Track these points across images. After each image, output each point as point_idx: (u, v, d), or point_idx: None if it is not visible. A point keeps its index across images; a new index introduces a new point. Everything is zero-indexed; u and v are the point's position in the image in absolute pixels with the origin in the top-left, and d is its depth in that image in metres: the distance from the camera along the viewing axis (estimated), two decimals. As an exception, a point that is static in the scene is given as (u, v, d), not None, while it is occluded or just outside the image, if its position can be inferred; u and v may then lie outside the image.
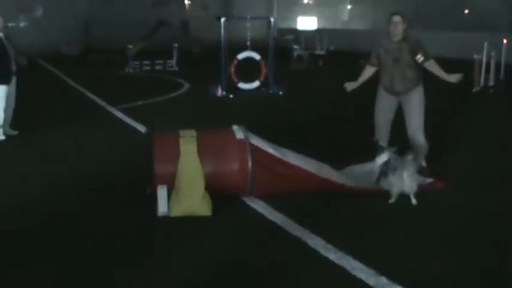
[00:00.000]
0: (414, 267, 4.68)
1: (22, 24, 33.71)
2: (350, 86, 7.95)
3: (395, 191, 6.20)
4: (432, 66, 7.40)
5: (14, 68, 9.55)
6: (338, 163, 7.37)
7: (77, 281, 4.60)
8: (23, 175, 7.64)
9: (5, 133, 9.64)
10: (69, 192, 6.83)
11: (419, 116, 7.47)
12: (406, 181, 6.12)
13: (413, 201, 6.13)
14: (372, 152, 7.89)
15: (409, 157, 6.25)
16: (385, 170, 6.34)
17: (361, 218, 5.81)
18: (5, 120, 9.62)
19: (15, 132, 9.90)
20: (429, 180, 6.82)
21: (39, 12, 34.91)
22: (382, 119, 7.80)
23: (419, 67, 7.43)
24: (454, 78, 7.33)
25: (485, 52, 15.65)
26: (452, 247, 5.11)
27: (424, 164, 7.33)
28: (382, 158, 6.55)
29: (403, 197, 6.27)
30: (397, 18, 7.34)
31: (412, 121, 7.49)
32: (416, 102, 7.49)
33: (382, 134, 7.82)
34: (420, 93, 7.50)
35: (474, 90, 15.04)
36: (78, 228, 5.72)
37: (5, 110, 9.54)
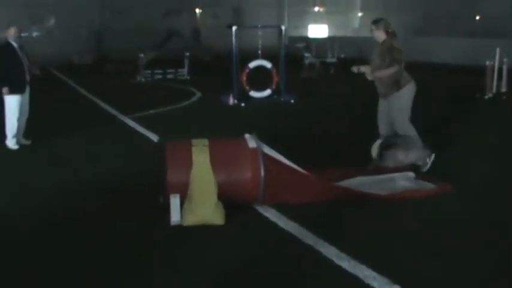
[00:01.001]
0: (428, 276, 4.65)
1: (34, 34, 33.98)
2: (360, 68, 8.14)
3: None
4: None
5: (27, 77, 9.62)
6: (351, 170, 7.42)
7: (81, 286, 4.64)
8: (33, 182, 7.71)
9: (18, 142, 9.70)
10: (79, 200, 6.86)
11: (400, 120, 7.91)
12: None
13: None
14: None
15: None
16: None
17: (375, 227, 5.78)
18: (18, 129, 9.67)
19: (28, 142, 9.94)
20: (431, 185, 6.98)
21: (51, 22, 35.16)
22: (379, 120, 8.29)
23: (396, 72, 7.74)
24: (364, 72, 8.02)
25: (497, 58, 15.60)
26: (462, 254, 5.08)
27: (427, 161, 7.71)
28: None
29: (414, 205, 6.28)
30: (371, 26, 7.99)
31: (394, 124, 8.00)
32: (396, 108, 7.92)
33: (382, 133, 8.23)
34: (399, 98, 7.86)
35: (486, 96, 14.98)
36: (87, 235, 5.73)
37: (19, 120, 9.60)
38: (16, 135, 9.66)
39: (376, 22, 7.93)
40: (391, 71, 7.70)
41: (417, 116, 11.60)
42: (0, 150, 9.51)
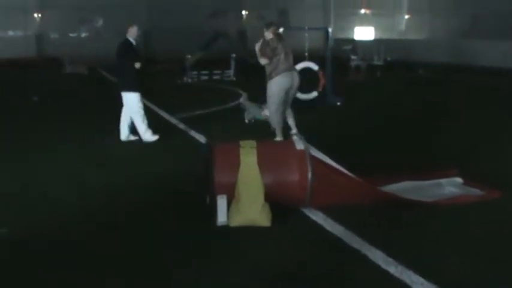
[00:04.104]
0: (476, 284, 4.61)
1: (83, 35, 34.57)
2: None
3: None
4: None
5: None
6: (397, 174, 7.39)
7: (132, 279, 4.75)
8: (88, 181, 7.84)
9: (127, 137, 10.17)
10: (128, 200, 6.98)
11: (269, 105, 9.83)
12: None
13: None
14: (427, 164, 7.87)
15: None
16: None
17: (422, 232, 5.75)
18: (129, 126, 10.13)
19: (136, 137, 10.31)
20: (479, 191, 6.90)
21: (99, 22, 35.67)
22: None
23: (270, 65, 9.61)
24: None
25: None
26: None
27: (280, 138, 9.56)
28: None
29: (463, 211, 6.23)
30: (263, 28, 9.96)
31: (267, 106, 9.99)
32: (267, 94, 9.81)
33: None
34: (268, 86, 9.74)
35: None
36: (136, 234, 5.85)
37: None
38: (147, 130, 10.09)
39: (267, 25, 9.94)
40: (260, 59, 9.68)
41: (465, 118, 11.49)
42: (55, 146, 9.74)
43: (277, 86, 9.63)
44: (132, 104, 9.98)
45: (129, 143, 10.24)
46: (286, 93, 9.75)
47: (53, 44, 33.50)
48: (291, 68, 9.90)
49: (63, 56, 28.41)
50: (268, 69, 9.68)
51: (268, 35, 9.79)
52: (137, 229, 5.98)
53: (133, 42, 10.02)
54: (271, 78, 9.63)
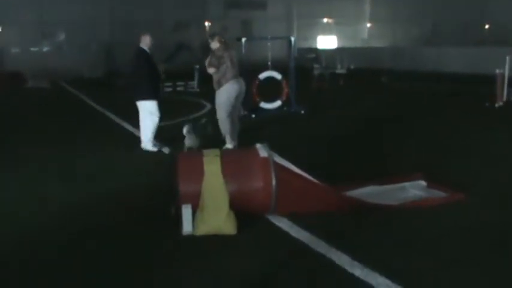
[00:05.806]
0: (443, 284, 4.65)
1: (45, 49, 34.23)
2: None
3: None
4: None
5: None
6: (360, 181, 7.43)
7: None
8: (48, 196, 7.70)
9: (155, 145, 10.27)
10: (93, 211, 6.90)
11: (219, 113, 9.95)
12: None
13: None
14: (392, 171, 7.94)
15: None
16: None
17: (388, 235, 5.78)
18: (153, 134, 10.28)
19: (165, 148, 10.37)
20: (443, 194, 7.00)
21: (61, 37, 35.39)
22: None
23: (218, 73, 9.83)
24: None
25: (507, 66, 15.59)
26: (479, 263, 5.08)
27: (230, 145, 9.95)
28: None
29: (427, 214, 6.28)
30: (208, 38, 10.30)
31: (217, 114, 10.05)
32: (216, 102, 10.03)
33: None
34: (218, 95, 9.95)
35: (497, 105, 14.96)
36: (100, 245, 5.77)
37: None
38: (152, 139, 10.24)
39: (211, 36, 10.20)
40: (208, 69, 9.95)
41: (429, 124, 11.62)
42: (18, 162, 9.59)
43: (227, 93, 9.83)
44: (150, 110, 10.17)
45: (91, 155, 10.15)
46: (235, 99, 9.96)
47: (14, 58, 33.09)
48: (238, 75, 10.03)
49: (25, 71, 28.11)
50: (215, 78, 9.89)
51: (215, 44, 10.03)
52: (101, 241, 5.90)
53: (148, 51, 10.09)
54: (220, 86, 9.84)
